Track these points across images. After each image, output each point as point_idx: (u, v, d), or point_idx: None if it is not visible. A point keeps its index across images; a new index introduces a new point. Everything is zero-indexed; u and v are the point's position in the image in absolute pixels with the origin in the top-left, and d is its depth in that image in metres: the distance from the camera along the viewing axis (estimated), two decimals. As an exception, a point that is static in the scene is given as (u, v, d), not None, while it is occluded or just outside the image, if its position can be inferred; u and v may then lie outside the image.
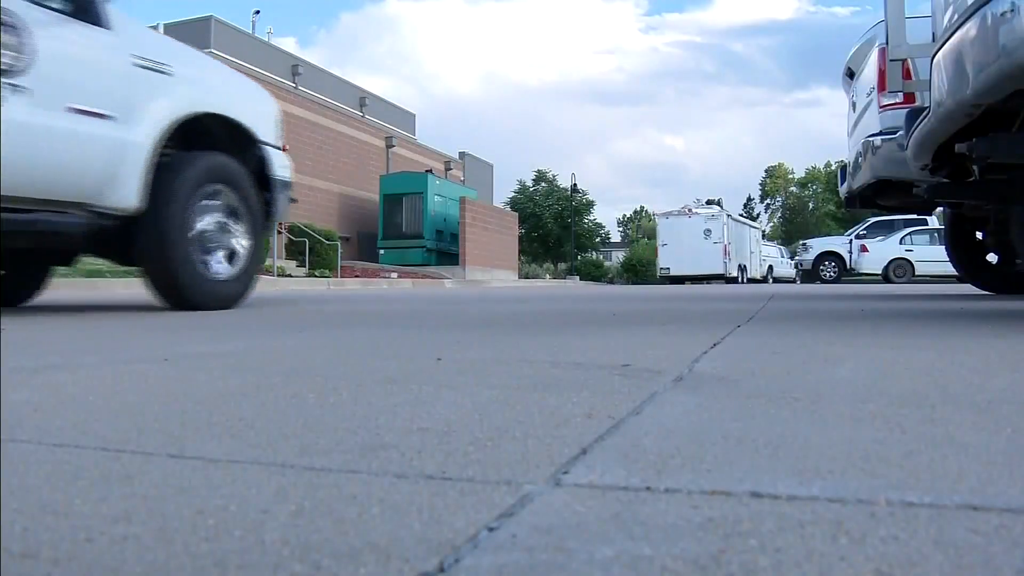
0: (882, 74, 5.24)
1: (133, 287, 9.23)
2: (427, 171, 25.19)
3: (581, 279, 29.31)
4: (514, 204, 38.49)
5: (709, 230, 23.29)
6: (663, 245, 23.00)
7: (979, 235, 6.63)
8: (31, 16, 3.30)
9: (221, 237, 4.25)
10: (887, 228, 21.60)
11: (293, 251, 18.44)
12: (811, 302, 5.51)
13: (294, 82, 25.55)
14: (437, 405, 1.24)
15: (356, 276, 14.74)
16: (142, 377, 1.62)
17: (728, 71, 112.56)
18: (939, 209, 9.34)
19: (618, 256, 42.87)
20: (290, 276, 13.47)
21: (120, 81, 3.71)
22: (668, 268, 22.43)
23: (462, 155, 34.10)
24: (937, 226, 19.17)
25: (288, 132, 5.64)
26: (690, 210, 24.48)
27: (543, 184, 41.58)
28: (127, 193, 3.72)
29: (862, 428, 1.04)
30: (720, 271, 22.88)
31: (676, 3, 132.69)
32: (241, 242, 4.36)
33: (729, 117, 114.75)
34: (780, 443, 0.95)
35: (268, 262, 13.13)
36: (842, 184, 6.68)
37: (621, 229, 73.47)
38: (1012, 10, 2.38)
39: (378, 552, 0.61)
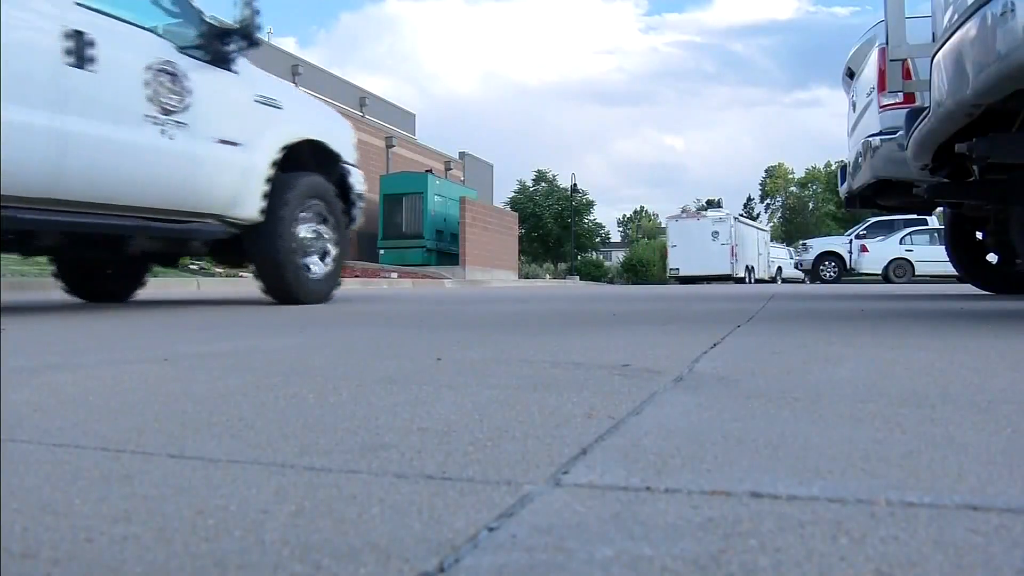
0: (882, 74, 5.24)
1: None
2: (427, 171, 25.17)
3: (581, 279, 29.30)
4: (514, 204, 38.48)
5: (716, 232, 24.10)
6: (673, 247, 23.85)
7: (979, 235, 6.63)
8: (186, 64, 4.16)
9: (316, 243, 5.06)
10: (887, 228, 21.59)
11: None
12: (811, 302, 5.51)
13: (294, 82, 25.48)
14: (437, 405, 1.24)
15: (356, 276, 14.73)
16: (142, 377, 1.62)
17: (728, 71, 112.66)
18: (939, 209, 9.35)
19: (618, 256, 42.88)
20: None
21: (246, 115, 4.59)
22: (678, 269, 23.28)
23: (462, 155, 34.08)
24: (937, 226, 19.17)
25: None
26: (695, 213, 25.68)
27: (543, 184, 41.59)
28: (251, 207, 4.57)
29: (862, 428, 1.04)
30: (727, 272, 23.57)
31: (676, 3, 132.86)
32: (330, 247, 5.17)
33: (729, 117, 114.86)
34: (780, 443, 0.95)
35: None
36: (842, 184, 6.68)
37: (621, 229, 73.49)
38: (1012, 10, 2.38)
39: (378, 552, 0.61)
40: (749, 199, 60.11)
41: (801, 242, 25.90)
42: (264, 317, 3.82)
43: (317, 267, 5.06)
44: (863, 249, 21.59)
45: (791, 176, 62.57)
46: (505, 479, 0.81)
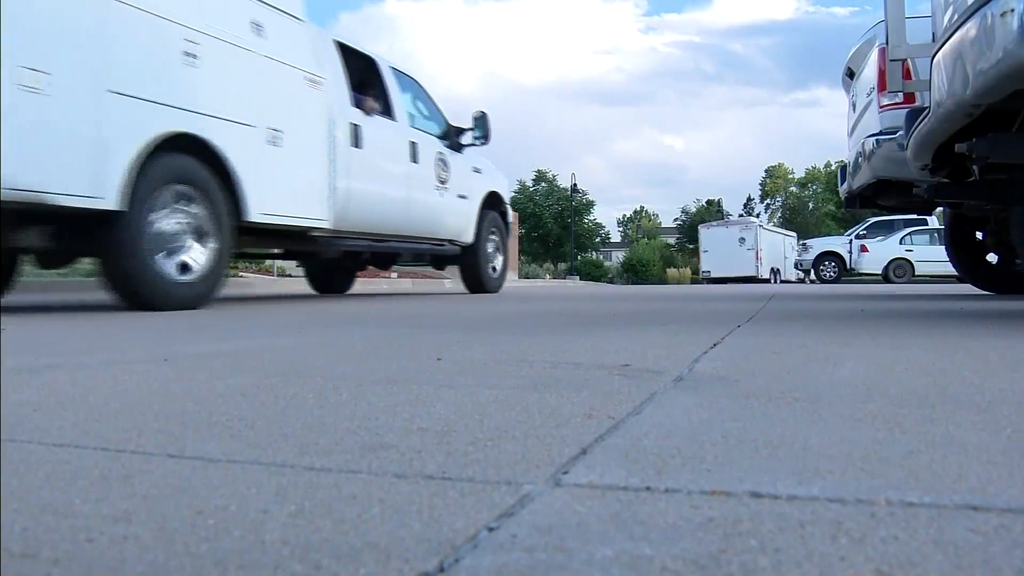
0: (882, 74, 5.24)
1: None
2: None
3: (581, 279, 29.29)
4: (514, 204, 38.37)
5: (743, 238, 26.93)
6: (705, 252, 27.00)
7: (979, 235, 6.63)
8: (446, 152, 7.07)
9: (493, 255, 8.11)
10: (887, 228, 21.58)
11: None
12: (811, 302, 5.51)
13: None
14: (437, 405, 1.24)
15: (356, 276, 14.75)
16: (142, 377, 1.62)
17: (727, 71, 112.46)
18: (939, 209, 9.34)
19: (618, 256, 42.90)
20: (290, 276, 13.47)
21: (469, 180, 7.48)
22: (709, 271, 26.11)
23: (462, 155, 34.02)
24: (937, 226, 19.15)
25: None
26: (725, 221, 29.18)
27: (543, 184, 41.60)
28: (469, 235, 7.49)
29: (862, 428, 1.04)
30: (753, 273, 26.11)
31: (675, 3, 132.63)
32: (499, 256, 8.26)
33: (729, 117, 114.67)
34: (780, 443, 0.95)
35: (268, 263, 13.19)
36: (842, 184, 6.68)
37: (621, 229, 73.42)
38: (1012, 10, 2.38)
39: (378, 552, 0.61)
40: (749, 199, 60.07)
41: (801, 242, 26.00)
42: (264, 317, 3.81)
43: (495, 271, 8.22)
44: (863, 249, 21.58)
45: (791, 176, 62.56)
46: (505, 479, 0.81)
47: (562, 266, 37.42)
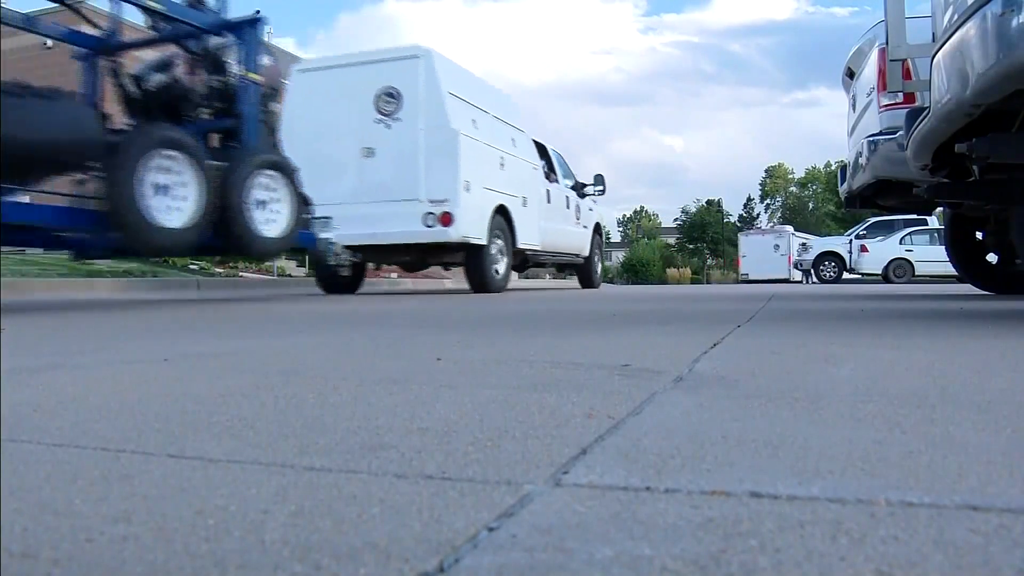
0: (882, 74, 5.23)
1: (131, 287, 9.23)
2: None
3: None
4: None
5: (777, 245, 30.49)
6: (743, 256, 31.18)
7: (979, 235, 6.62)
8: (574, 198, 10.94)
9: (598, 263, 12.06)
10: (887, 228, 21.57)
11: (293, 251, 18.51)
12: (811, 302, 5.51)
13: (294, 82, 25.52)
14: (437, 405, 1.24)
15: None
16: (142, 377, 1.62)
17: (727, 71, 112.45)
18: (939, 209, 9.34)
19: (618, 256, 42.88)
20: (290, 276, 13.46)
21: (588, 214, 11.46)
22: (747, 274, 29.87)
23: (462, 155, 34.07)
24: (937, 226, 19.15)
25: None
26: (762, 229, 34.28)
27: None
28: (586, 251, 11.37)
29: (862, 428, 1.04)
30: (786, 276, 29.41)
31: (674, 3, 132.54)
32: (600, 264, 12.19)
33: (728, 117, 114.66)
34: (780, 443, 0.95)
35: (268, 263, 13.23)
36: (842, 184, 6.67)
37: (621, 229, 73.42)
38: (1012, 10, 2.38)
39: (378, 552, 0.61)
40: (749, 199, 59.97)
41: (801, 242, 26.04)
42: (264, 317, 3.81)
43: (598, 272, 12.04)
44: (863, 249, 21.57)
45: (791, 176, 62.51)
46: (505, 479, 0.81)
47: (562, 266, 37.32)
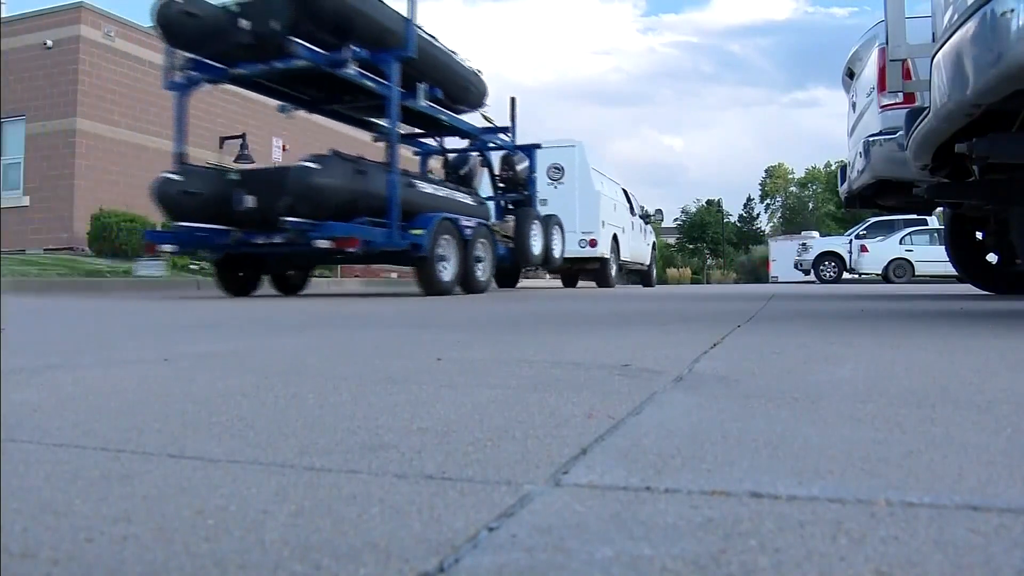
0: (882, 74, 5.23)
1: (129, 288, 9.23)
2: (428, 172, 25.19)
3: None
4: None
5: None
6: (773, 260, 33.39)
7: (979, 235, 6.62)
8: (639, 224, 15.71)
9: (652, 269, 17.24)
10: (887, 228, 21.57)
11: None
12: (811, 302, 5.51)
13: (295, 82, 25.55)
14: (437, 405, 1.24)
15: (356, 276, 14.73)
16: (142, 377, 1.62)
17: (726, 71, 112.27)
18: (939, 209, 9.34)
19: (618, 256, 42.85)
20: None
21: (648, 233, 16.69)
22: (777, 277, 31.63)
23: (463, 155, 34.14)
24: (937, 226, 19.14)
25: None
26: (789, 235, 36.35)
27: (543, 184, 41.45)
28: (647, 260, 16.51)
29: (862, 428, 1.04)
30: (812, 279, 30.90)
31: (673, 4, 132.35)
32: (653, 271, 17.66)
33: (728, 117, 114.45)
34: (780, 443, 0.95)
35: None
36: (842, 184, 6.67)
37: (621, 229, 73.25)
38: (1012, 10, 2.38)
39: (378, 552, 0.61)
40: (749, 199, 59.78)
41: (801, 242, 25.99)
42: (264, 317, 3.81)
43: (653, 277, 17.02)
44: (863, 249, 21.58)
45: (791, 176, 62.46)
46: (505, 479, 0.81)
47: (562, 266, 37.33)
